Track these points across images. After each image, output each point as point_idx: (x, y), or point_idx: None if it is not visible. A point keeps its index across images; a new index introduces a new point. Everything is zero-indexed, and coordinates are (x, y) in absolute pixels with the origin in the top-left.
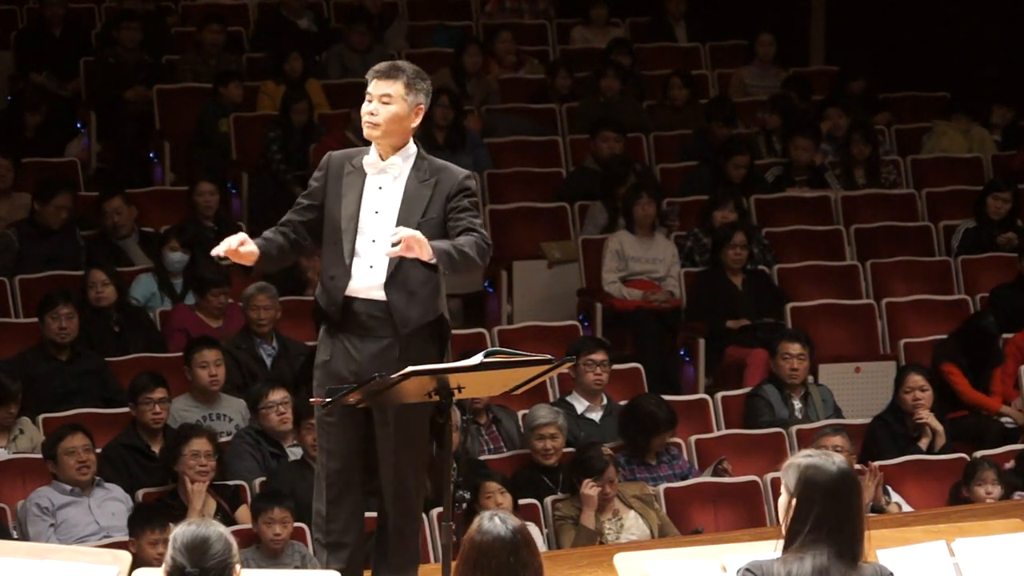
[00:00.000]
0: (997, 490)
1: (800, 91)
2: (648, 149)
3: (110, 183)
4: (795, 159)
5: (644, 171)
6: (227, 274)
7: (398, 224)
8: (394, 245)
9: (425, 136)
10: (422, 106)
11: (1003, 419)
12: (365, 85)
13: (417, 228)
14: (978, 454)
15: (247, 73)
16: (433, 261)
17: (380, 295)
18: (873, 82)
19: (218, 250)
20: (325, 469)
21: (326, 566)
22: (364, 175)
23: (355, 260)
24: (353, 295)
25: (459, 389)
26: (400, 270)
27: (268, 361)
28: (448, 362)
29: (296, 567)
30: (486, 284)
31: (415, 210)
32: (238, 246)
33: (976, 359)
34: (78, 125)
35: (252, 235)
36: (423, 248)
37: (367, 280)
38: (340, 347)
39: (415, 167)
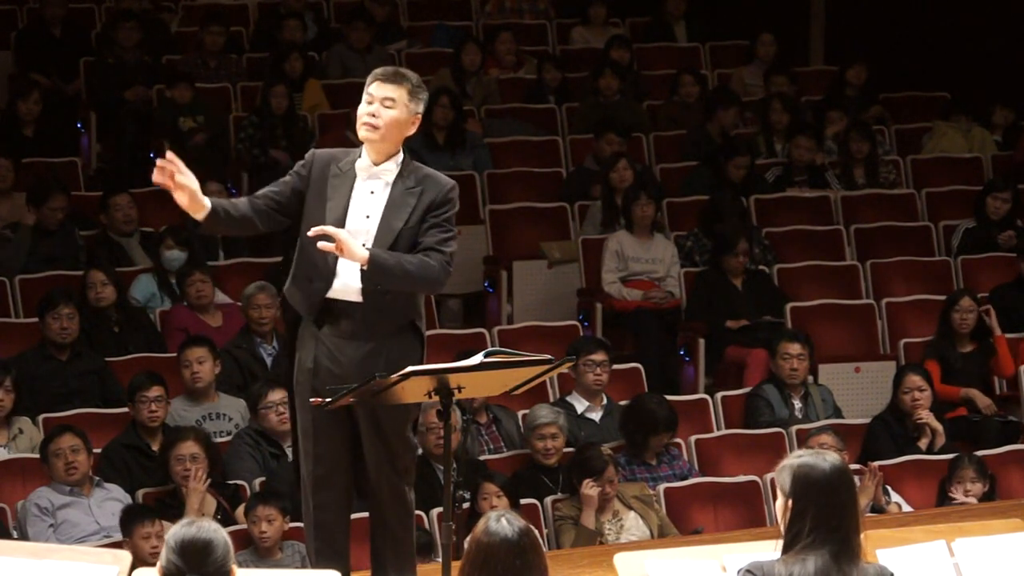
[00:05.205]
0: (977, 488)
1: (800, 91)
2: (648, 149)
3: (113, 182)
4: (796, 158)
5: (644, 171)
6: (199, 261)
7: (379, 230)
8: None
9: (425, 136)
10: (419, 116)
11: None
12: (364, 85)
13: (399, 234)
14: (980, 454)
15: (247, 73)
16: (364, 268)
17: (359, 298)
18: (873, 82)
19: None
20: (312, 476)
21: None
22: (352, 178)
23: (340, 262)
24: (334, 297)
25: (459, 389)
26: None
27: (268, 361)
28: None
29: (296, 567)
30: (486, 284)
31: (399, 216)
32: (176, 175)
33: (950, 340)
34: (78, 125)
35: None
36: (350, 251)
37: (352, 282)
38: (324, 351)
39: (402, 174)
